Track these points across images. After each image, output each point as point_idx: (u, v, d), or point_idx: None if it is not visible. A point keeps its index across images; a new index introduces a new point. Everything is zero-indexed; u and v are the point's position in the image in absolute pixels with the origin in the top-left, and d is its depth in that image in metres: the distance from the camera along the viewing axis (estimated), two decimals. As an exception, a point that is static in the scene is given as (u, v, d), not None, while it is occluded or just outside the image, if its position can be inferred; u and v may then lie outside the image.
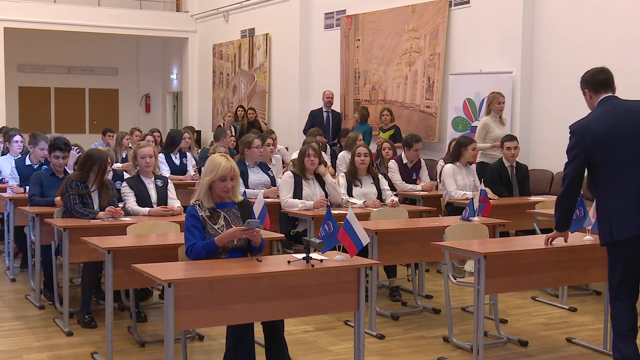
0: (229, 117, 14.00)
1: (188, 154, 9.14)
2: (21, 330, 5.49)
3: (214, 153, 8.10)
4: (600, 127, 4.11)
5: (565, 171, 4.25)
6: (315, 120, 11.60)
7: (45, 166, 6.96)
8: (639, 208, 4.00)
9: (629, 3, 8.56)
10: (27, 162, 7.36)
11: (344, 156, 9.01)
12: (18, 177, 7.20)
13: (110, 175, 6.44)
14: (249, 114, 13.49)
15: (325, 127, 11.39)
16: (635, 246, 4.02)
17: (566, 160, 4.20)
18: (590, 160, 4.13)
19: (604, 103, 4.24)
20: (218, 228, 4.32)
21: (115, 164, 7.39)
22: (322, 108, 11.77)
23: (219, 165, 4.36)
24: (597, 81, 4.30)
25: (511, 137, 7.69)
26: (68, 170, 6.60)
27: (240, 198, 4.55)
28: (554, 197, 7.45)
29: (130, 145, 9.56)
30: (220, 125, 12.02)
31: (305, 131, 11.03)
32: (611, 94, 4.27)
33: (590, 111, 4.31)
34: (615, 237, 4.05)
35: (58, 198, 5.98)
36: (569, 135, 4.18)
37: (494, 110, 8.48)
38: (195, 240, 4.25)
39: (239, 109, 14.10)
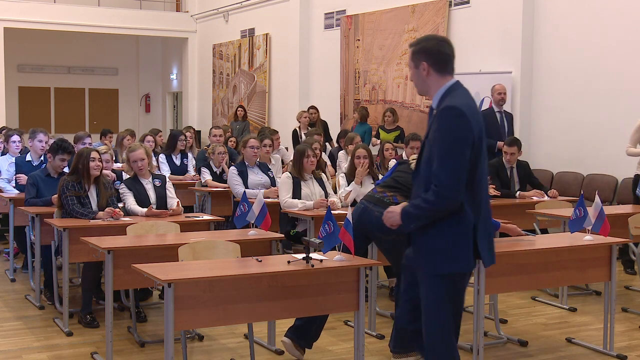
0: (306, 118, 11.33)
1: (189, 154, 9.13)
2: (21, 330, 5.49)
3: (212, 153, 8.17)
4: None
5: None
6: (488, 122, 8.57)
7: (43, 165, 6.97)
8: None
9: (629, 3, 8.56)
10: (28, 157, 7.40)
11: (344, 155, 8.99)
12: (13, 177, 7.25)
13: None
14: (311, 113, 11.45)
15: (500, 130, 9.03)
16: None
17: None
18: None
19: (464, 92, 3.35)
20: None
21: (115, 164, 7.38)
22: (492, 108, 9.22)
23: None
24: (445, 57, 3.31)
25: (510, 142, 7.58)
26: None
27: None
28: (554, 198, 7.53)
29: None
30: (217, 126, 11.71)
31: None
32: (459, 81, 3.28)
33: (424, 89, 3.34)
34: None
35: (55, 196, 5.97)
36: None
37: None
38: None
39: (239, 109, 14.08)
